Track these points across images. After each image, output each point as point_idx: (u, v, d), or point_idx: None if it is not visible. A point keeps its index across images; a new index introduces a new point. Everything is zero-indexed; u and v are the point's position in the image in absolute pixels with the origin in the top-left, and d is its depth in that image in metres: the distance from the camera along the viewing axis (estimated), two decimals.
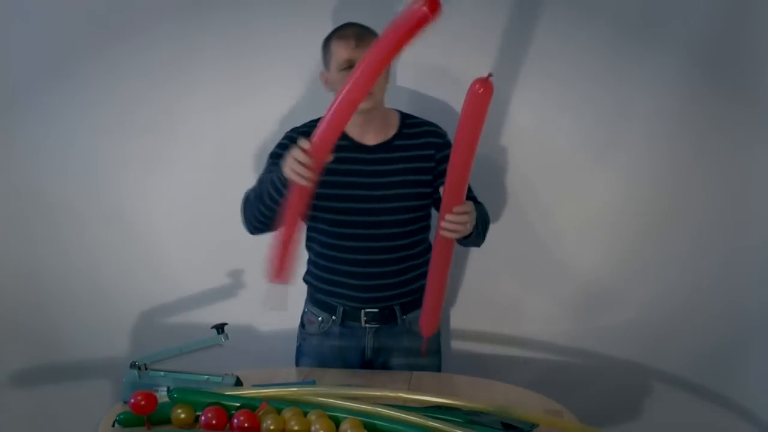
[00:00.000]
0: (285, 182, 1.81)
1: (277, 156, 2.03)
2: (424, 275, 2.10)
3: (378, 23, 2.06)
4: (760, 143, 2.27)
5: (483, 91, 1.61)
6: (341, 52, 1.96)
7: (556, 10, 2.24)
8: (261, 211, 1.94)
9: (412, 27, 1.53)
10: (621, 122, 2.29)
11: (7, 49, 2.36)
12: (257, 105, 2.35)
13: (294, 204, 1.81)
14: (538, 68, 2.27)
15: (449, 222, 1.81)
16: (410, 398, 1.75)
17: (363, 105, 2.00)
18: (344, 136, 2.07)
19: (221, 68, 2.34)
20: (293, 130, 2.09)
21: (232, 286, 2.43)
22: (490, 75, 1.61)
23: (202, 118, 2.38)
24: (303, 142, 1.74)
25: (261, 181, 1.97)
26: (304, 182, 1.75)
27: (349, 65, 1.94)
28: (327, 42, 2.01)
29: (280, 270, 1.85)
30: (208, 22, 2.32)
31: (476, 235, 1.98)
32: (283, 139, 2.10)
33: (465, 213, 1.82)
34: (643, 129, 2.29)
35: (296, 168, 1.73)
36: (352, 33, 1.97)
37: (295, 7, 2.29)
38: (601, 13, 2.24)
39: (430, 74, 2.31)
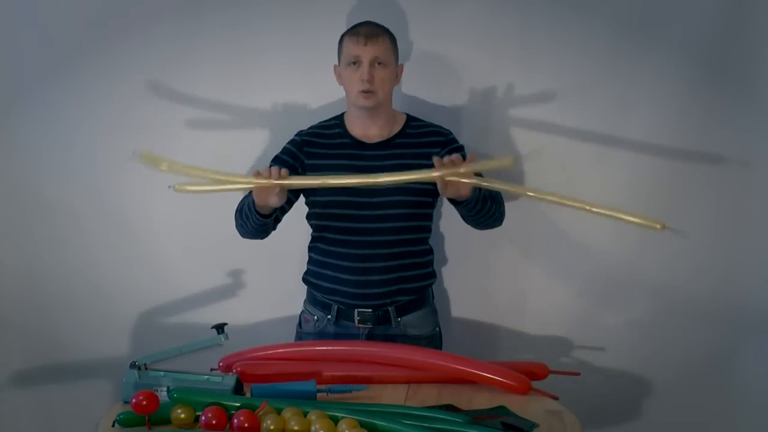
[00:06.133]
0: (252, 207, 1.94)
1: (279, 161, 2.07)
2: (421, 277, 2.09)
3: (383, 23, 2.07)
4: (761, 141, 2.27)
5: None
6: (350, 47, 2.01)
7: (556, 9, 2.24)
8: (246, 226, 2.04)
9: None
10: (622, 121, 2.29)
11: (8, 50, 2.36)
12: (258, 105, 2.35)
13: None
14: (538, 68, 2.28)
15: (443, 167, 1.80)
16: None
17: (364, 103, 2.01)
18: (346, 134, 2.08)
19: (221, 68, 2.34)
20: (299, 133, 2.12)
21: (232, 286, 2.42)
22: None
23: (202, 118, 2.37)
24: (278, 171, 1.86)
25: (244, 201, 2.04)
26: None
27: (355, 60, 1.99)
28: (342, 37, 2.06)
29: None
30: (207, 22, 2.33)
31: (483, 202, 1.96)
32: (288, 143, 2.12)
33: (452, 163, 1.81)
34: (644, 129, 2.28)
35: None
36: (364, 31, 2.02)
37: (296, 6, 2.30)
38: (602, 12, 2.24)
39: (431, 74, 2.31)
